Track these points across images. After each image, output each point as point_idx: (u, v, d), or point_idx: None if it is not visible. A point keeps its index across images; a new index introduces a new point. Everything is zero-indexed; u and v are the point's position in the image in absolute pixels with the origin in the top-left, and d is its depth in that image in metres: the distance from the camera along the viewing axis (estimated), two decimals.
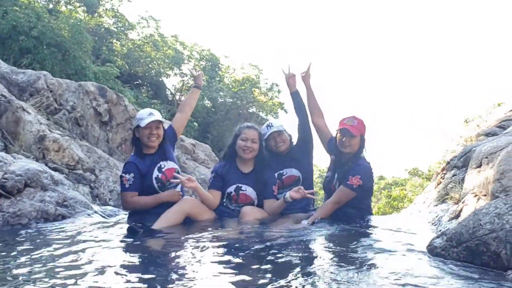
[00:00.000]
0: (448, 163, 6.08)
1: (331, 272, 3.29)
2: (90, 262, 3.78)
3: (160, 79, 32.17)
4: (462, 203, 4.46)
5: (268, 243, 4.27)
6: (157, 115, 5.52)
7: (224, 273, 3.43)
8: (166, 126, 5.81)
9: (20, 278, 3.34)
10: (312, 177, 6.15)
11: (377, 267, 3.40)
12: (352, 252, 3.86)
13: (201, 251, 4.08)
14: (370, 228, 5.00)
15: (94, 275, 3.38)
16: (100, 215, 6.63)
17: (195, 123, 26.32)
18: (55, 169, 8.24)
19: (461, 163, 5.66)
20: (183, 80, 33.47)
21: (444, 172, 6.06)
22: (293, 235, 4.61)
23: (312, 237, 4.59)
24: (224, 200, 5.64)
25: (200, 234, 4.67)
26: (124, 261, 3.92)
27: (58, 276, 3.39)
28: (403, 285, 2.93)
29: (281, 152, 5.87)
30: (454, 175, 5.59)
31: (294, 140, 6.06)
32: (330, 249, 4.14)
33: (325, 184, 5.76)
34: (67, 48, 19.06)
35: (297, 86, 6.20)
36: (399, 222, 5.47)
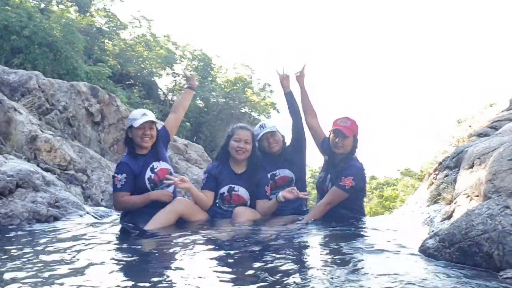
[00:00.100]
0: (440, 163, 6.09)
1: (323, 273, 3.29)
2: (82, 263, 3.77)
3: (152, 79, 32.09)
4: (455, 203, 4.47)
5: (260, 244, 4.28)
6: (151, 116, 5.51)
7: (217, 274, 3.43)
8: (159, 126, 5.80)
9: (9, 279, 3.32)
10: (305, 177, 6.16)
11: (370, 268, 3.40)
12: (344, 252, 3.86)
13: (194, 251, 4.07)
14: (362, 229, 5.01)
15: (86, 276, 3.37)
16: (92, 216, 6.61)
17: (187, 123, 26.29)
18: (46, 170, 8.21)
19: (453, 164, 5.68)
20: (175, 80, 33.43)
21: (436, 172, 6.07)
22: (285, 236, 4.62)
23: (304, 238, 4.60)
24: (217, 200, 5.64)
25: (192, 235, 4.67)
26: (116, 262, 3.90)
27: (48, 277, 3.37)
28: (395, 285, 2.93)
29: (274, 152, 5.88)
30: (446, 176, 5.61)
31: (287, 141, 6.07)
32: (322, 250, 4.14)
33: (318, 185, 5.77)
34: (59, 48, 18.97)
35: (291, 87, 6.20)
36: (392, 222, 5.49)
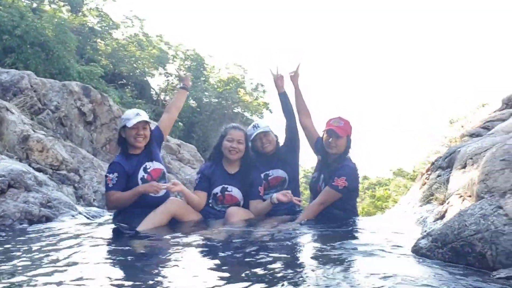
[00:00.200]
0: (432, 163, 6.11)
1: (316, 273, 3.29)
2: (73, 263, 3.75)
3: (145, 78, 32.04)
4: (447, 203, 4.48)
5: (253, 244, 4.27)
6: (144, 116, 5.50)
7: (210, 275, 3.42)
8: (152, 126, 5.78)
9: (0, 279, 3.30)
10: (298, 178, 6.16)
11: (362, 268, 3.40)
12: (337, 252, 3.86)
13: (186, 252, 4.07)
14: (355, 229, 5.02)
15: (78, 277, 3.36)
16: (85, 216, 6.59)
17: (180, 123, 26.24)
18: (38, 170, 8.18)
19: (445, 164, 5.69)
20: (168, 80, 33.40)
21: (429, 172, 6.09)
22: (278, 236, 4.62)
23: (297, 238, 4.60)
24: (210, 201, 5.63)
25: (185, 235, 4.66)
26: (109, 262, 3.89)
27: (40, 278, 3.36)
28: (388, 285, 2.93)
29: (267, 152, 5.87)
30: (438, 176, 5.62)
31: (280, 141, 6.07)
32: (315, 250, 4.14)
33: (311, 185, 5.77)
34: (51, 47, 18.91)
35: (285, 87, 6.20)
36: (384, 222, 5.51)
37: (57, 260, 3.88)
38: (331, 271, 3.30)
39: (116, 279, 3.35)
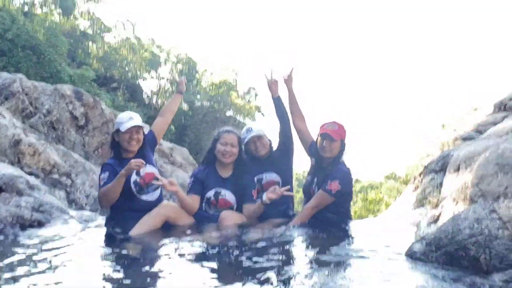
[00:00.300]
0: (426, 167, 6.11)
1: (310, 276, 3.30)
2: (66, 268, 3.76)
3: (137, 82, 31.98)
4: (441, 207, 4.49)
5: (247, 248, 4.28)
6: (137, 120, 5.47)
7: (202, 278, 3.43)
8: (146, 130, 5.76)
9: None
10: (292, 181, 6.14)
11: (356, 271, 3.41)
12: (330, 256, 3.87)
13: (180, 256, 4.07)
14: (349, 232, 5.03)
15: (71, 282, 3.35)
16: (77, 220, 6.56)
17: (172, 126, 26.19)
18: (30, 174, 8.14)
19: (439, 168, 5.70)
20: (160, 83, 33.35)
21: (422, 176, 6.09)
22: (272, 240, 4.62)
23: (291, 242, 4.61)
24: (203, 204, 5.61)
25: (179, 239, 4.66)
26: (101, 267, 3.89)
27: (31, 282, 3.35)
28: None
29: (261, 156, 5.86)
30: (432, 179, 5.63)
31: (274, 145, 6.06)
32: (308, 253, 4.16)
33: (304, 188, 5.77)
34: (42, 51, 18.84)
35: (279, 91, 6.19)
36: (378, 226, 5.50)
37: (49, 265, 3.87)
38: (324, 275, 3.30)
39: (109, 284, 3.34)
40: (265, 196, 5.36)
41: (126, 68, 30.14)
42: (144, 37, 34.20)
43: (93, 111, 12.53)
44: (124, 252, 4.47)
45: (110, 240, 4.95)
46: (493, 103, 7.27)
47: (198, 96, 32.80)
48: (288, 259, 4.00)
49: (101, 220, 6.43)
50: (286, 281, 3.24)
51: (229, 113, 34.37)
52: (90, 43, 29.44)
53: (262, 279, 3.29)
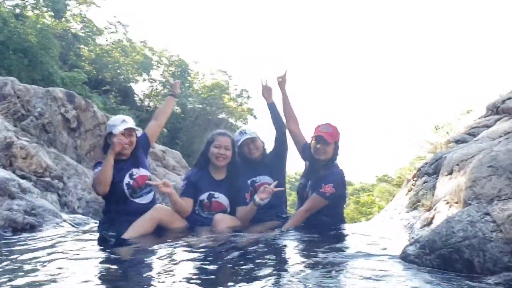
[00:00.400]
0: (419, 170, 6.12)
1: (303, 279, 3.29)
2: (59, 272, 3.73)
3: (129, 84, 31.94)
4: (434, 210, 4.49)
5: (241, 251, 4.27)
6: (130, 122, 5.46)
7: (195, 281, 3.42)
8: (139, 133, 5.74)
9: None
10: (285, 184, 6.14)
11: (350, 274, 3.41)
12: (324, 259, 3.86)
13: (173, 259, 4.06)
14: (342, 235, 5.02)
15: (63, 285, 3.33)
16: (70, 223, 6.54)
17: (164, 129, 26.14)
18: (22, 177, 8.10)
19: (432, 170, 5.71)
20: (152, 86, 33.33)
21: (415, 179, 6.11)
22: (265, 243, 4.61)
23: (284, 245, 4.60)
24: (196, 207, 5.60)
25: (172, 243, 4.65)
26: (94, 271, 3.87)
27: (24, 286, 3.33)
28: None
29: (254, 159, 5.85)
30: (425, 182, 5.64)
31: (267, 147, 6.05)
32: (301, 257, 4.14)
33: (298, 191, 5.77)
34: (34, 53, 18.80)
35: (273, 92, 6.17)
36: (372, 229, 5.51)
37: (42, 269, 3.85)
38: (318, 278, 3.30)
39: (102, 287, 3.33)
40: (257, 197, 5.35)
41: (118, 71, 30.09)
42: (136, 39, 34.18)
43: (85, 113, 12.51)
44: (117, 255, 4.46)
45: (103, 243, 4.93)
46: (486, 105, 7.29)
47: (190, 99, 32.77)
48: (282, 262, 3.99)
49: (94, 223, 6.41)
50: (278, 283, 3.23)
51: (222, 115, 34.38)
52: (82, 45, 29.37)
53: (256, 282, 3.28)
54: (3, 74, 14.69)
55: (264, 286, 3.15)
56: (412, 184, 6.12)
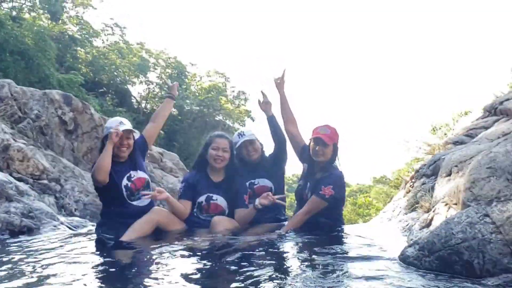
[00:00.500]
0: (417, 171, 6.12)
1: (302, 280, 3.29)
2: (57, 275, 3.72)
3: (126, 86, 31.97)
4: (433, 211, 4.49)
5: (239, 253, 4.26)
6: (128, 124, 5.43)
7: (194, 284, 3.41)
8: (136, 135, 5.72)
9: None
10: (283, 187, 6.12)
11: (349, 276, 3.40)
12: (323, 261, 3.85)
13: (171, 262, 4.05)
14: (341, 237, 5.02)
15: None
16: (67, 226, 6.52)
17: (161, 131, 26.14)
18: (19, 179, 8.09)
19: (430, 172, 5.71)
20: (148, 88, 33.36)
21: (413, 180, 6.10)
22: (264, 245, 4.61)
23: (282, 247, 4.60)
24: (195, 210, 5.59)
25: (170, 245, 4.64)
26: (93, 273, 3.86)
27: None
28: None
29: (253, 160, 5.82)
30: (423, 184, 5.64)
31: (266, 149, 6.02)
32: (301, 258, 4.14)
33: (297, 193, 5.75)
34: (31, 55, 18.80)
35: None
36: (370, 230, 5.50)
37: (40, 272, 3.84)
38: (317, 280, 3.29)
39: None
40: (257, 201, 5.34)
41: (115, 73, 30.10)
42: (133, 41, 34.20)
43: (82, 116, 12.48)
44: (115, 258, 4.45)
45: (101, 246, 4.91)
46: (483, 106, 7.31)
47: (188, 101, 32.80)
48: (280, 264, 3.98)
49: (91, 226, 6.39)
50: (277, 285, 3.23)
51: (219, 117, 34.41)
52: (79, 47, 29.37)
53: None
54: (0, 77, 14.68)
55: None
56: (410, 186, 6.11)
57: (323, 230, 5.13)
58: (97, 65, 28.96)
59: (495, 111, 6.80)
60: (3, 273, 3.83)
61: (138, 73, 31.72)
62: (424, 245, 3.55)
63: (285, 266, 3.92)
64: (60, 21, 28.88)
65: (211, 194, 5.59)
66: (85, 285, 3.42)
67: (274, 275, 3.50)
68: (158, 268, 3.87)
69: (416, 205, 5.38)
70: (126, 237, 5.00)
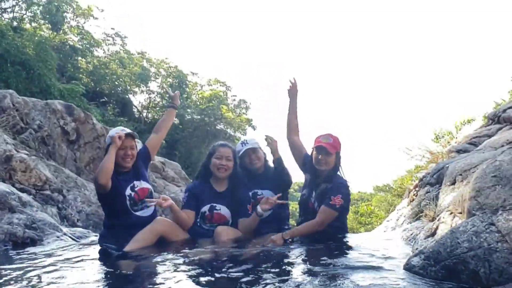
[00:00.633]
0: (421, 180, 6.12)
1: None
2: (62, 285, 3.71)
3: (127, 96, 32.00)
4: (438, 220, 4.48)
5: (242, 263, 4.25)
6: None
7: None
8: (139, 146, 5.72)
9: None
10: (287, 198, 6.07)
11: (353, 284, 3.39)
12: (328, 270, 3.84)
13: (175, 272, 4.04)
14: (345, 246, 5.00)
15: None
16: (70, 237, 6.51)
17: (162, 140, 26.12)
18: (22, 190, 8.07)
19: (434, 180, 5.70)
20: (150, 97, 33.39)
21: (417, 189, 6.10)
22: (267, 255, 4.60)
23: (286, 256, 4.58)
24: (198, 220, 5.58)
25: (173, 255, 4.63)
26: (96, 284, 3.85)
27: None
28: None
29: (256, 169, 5.79)
30: (427, 192, 5.63)
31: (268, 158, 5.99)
32: (305, 268, 4.13)
33: (301, 201, 5.73)
34: (32, 66, 18.83)
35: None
36: (374, 239, 5.49)
37: (43, 282, 3.83)
38: None
39: None
40: (259, 208, 5.33)
41: (116, 83, 30.14)
42: (134, 50, 34.25)
43: (84, 126, 12.47)
44: (118, 268, 4.44)
45: (104, 256, 4.90)
46: (486, 114, 7.31)
47: (189, 110, 32.80)
48: (284, 274, 3.97)
49: (94, 236, 6.38)
50: None
51: (220, 126, 34.40)
52: (80, 57, 29.42)
53: None
54: (1, 87, 14.72)
55: None
56: (414, 194, 6.10)
57: (327, 238, 5.12)
58: (98, 75, 29.01)
59: (498, 119, 6.80)
60: (7, 284, 3.82)
61: (139, 82, 31.74)
62: (430, 254, 3.54)
63: (289, 276, 3.91)
64: (61, 31, 28.92)
65: (214, 204, 5.58)
66: None
67: (277, 285, 3.49)
68: (161, 279, 3.86)
69: (421, 214, 5.37)
70: (129, 247, 5.00)
